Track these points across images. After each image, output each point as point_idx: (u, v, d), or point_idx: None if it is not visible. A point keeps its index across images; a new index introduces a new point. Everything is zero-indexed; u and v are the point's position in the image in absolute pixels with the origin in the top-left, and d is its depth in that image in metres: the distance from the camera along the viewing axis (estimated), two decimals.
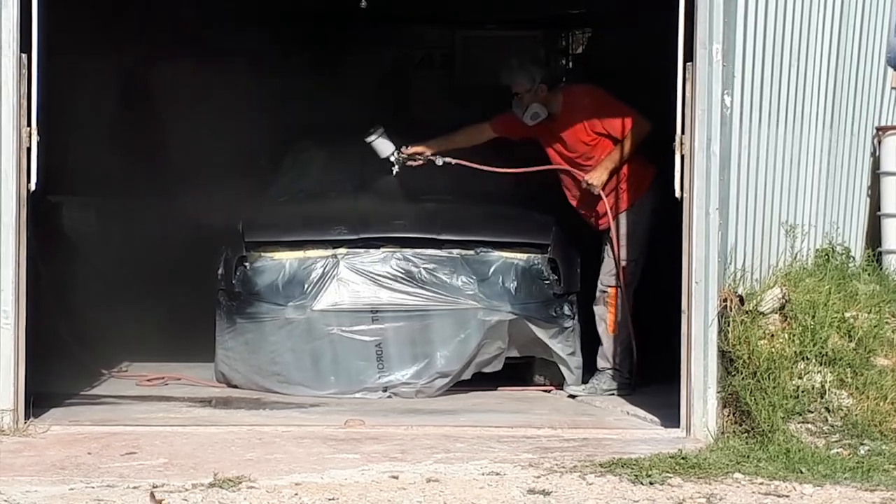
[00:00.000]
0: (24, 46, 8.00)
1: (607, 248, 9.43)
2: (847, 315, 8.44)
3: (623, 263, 9.37)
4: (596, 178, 9.38)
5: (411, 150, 9.76)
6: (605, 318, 9.44)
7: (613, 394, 9.34)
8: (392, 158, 9.80)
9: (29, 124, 8.05)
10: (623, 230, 9.39)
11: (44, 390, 8.56)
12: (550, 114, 9.51)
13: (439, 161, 9.74)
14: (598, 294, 9.48)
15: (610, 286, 9.39)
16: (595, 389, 9.39)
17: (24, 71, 8.01)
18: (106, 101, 11.87)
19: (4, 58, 7.97)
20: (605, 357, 9.45)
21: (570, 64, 14.40)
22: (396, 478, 7.16)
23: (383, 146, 9.81)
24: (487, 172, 9.67)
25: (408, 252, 9.55)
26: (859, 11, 9.70)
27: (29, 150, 8.05)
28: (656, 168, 9.34)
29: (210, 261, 10.04)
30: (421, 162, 9.77)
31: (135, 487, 6.94)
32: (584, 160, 9.47)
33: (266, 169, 11.17)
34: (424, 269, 9.52)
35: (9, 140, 8.00)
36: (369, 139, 9.81)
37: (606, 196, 9.35)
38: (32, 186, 8.08)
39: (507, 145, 9.80)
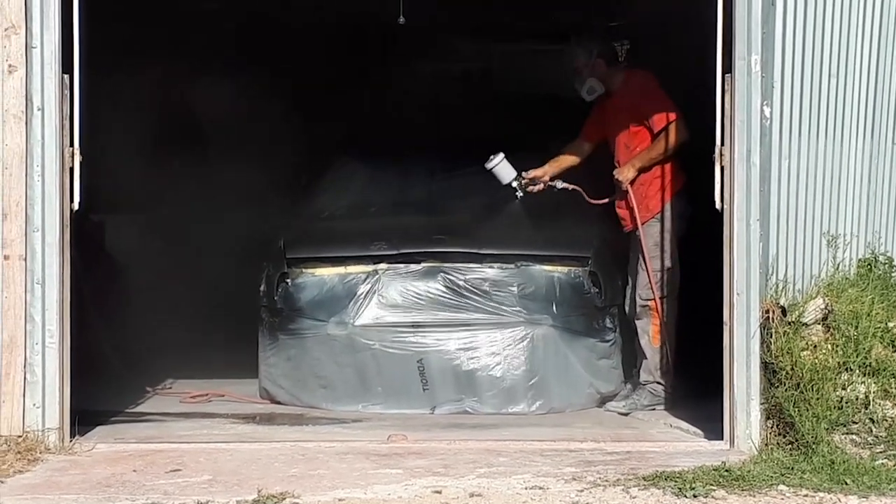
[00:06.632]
0: (66, 67, 8.07)
1: (640, 259, 9.40)
2: (890, 325, 8.39)
3: (658, 274, 9.35)
4: (622, 174, 9.39)
5: (531, 174, 9.76)
6: (648, 330, 9.40)
7: (654, 409, 9.31)
8: (514, 184, 9.80)
9: (71, 144, 8.11)
10: (652, 240, 9.37)
11: (89, 408, 8.62)
12: (609, 92, 9.51)
13: (559, 185, 9.76)
14: (638, 308, 9.44)
15: (649, 298, 9.36)
16: (636, 405, 9.36)
17: (67, 91, 8.07)
18: (147, 118, 11.95)
19: (47, 79, 8.04)
20: (648, 370, 9.41)
21: None
22: (440, 492, 7.16)
23: (505, 172, 9.78)
24: (597, 204, 9.65)
25: (448, 267, 9.57)
26: None
27: (72, 169, 8.11)
28: (685, 177, 9.35)
29: (252, 277, 10.08)
30: (541, 187, 9.78)
31: None
32: (625, 149, 9.45)
33: (307, 185, 11.21)
34: (465, 283, 9.53)
35: (52, 160, 8.06)
36: (490, 165, 9.78)
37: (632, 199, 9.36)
38: (76, 206, 8.14)
39: None
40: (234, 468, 7.74)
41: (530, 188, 9.81)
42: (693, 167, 9.03)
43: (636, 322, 9.46)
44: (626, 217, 9.48)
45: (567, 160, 9.84)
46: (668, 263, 9.35)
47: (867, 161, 9.41)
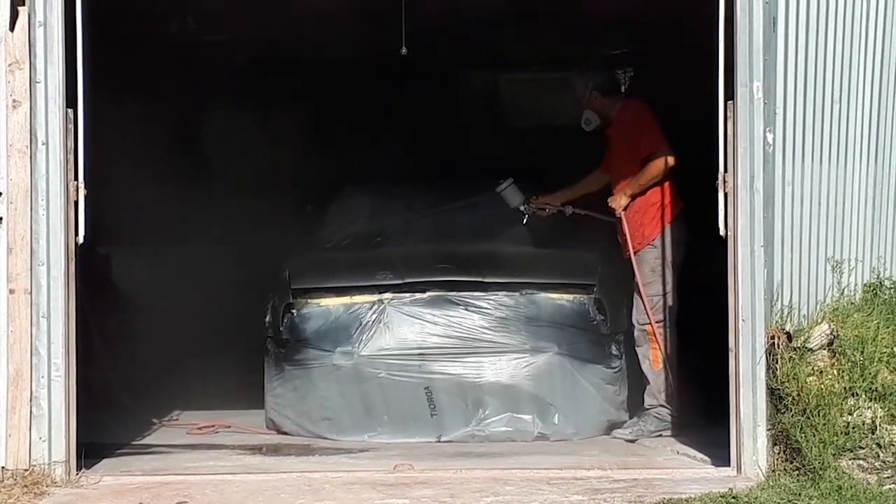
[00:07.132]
0: (70, 101, 8.09)
1: (635, 284, 9.42)
2: None
3: (655, 299, 9.35)
4: (615, 201, 9.44)
5: (541, 200, 9.87)
6: (648, 355, 9.41)
7: (661, 435, 9.30)
8: (522, 208, 9.91)
9: (76, 178, 8.12)
10: (648, 266, 9.38)
11: (95, 440, 8.62)
12: (607, 123, 9.56)
13: (568, 211, 9.85)
14: (636, 334, 9.46)
15: (645, 323, 9.37)
16: (642, 431, 9.35)
17: (71, 126, 8.08)
18: (153, 150, 11.97)
19: (51, 113, 8.05)
20: (652, 394, 9.42)
21: None
22: None
23: (513, 196, 9.95)
24: (609, 222, 9.64)
25: (453, 295, 9.58)
26: None
27: (77, 203, 8.13)
28: (682, 202, 9.36)
29: (258, 308, 10.09)
30: (552, 212, 9.87)
31: None
32: (619, 177, 9.50)
33: (312, 215, 11.23)
34: (470, 312, 9.53)
35: (56, 194, 8.07)
36: (499, 189, 9.95)
37: (627, 225, 9.37)
38: (81, 240, 8.14)
39: None
40: (240, 500, 7.73)
41: (538, 212, 9.85)
42: (697, 193, 9.03)
43: (636, 349, 9.47)
44: (624, 244, 9.51)
45: (580, 189, 9.91)
46: (665, 289, 9.35)
47: (871, 186, 9.42)
